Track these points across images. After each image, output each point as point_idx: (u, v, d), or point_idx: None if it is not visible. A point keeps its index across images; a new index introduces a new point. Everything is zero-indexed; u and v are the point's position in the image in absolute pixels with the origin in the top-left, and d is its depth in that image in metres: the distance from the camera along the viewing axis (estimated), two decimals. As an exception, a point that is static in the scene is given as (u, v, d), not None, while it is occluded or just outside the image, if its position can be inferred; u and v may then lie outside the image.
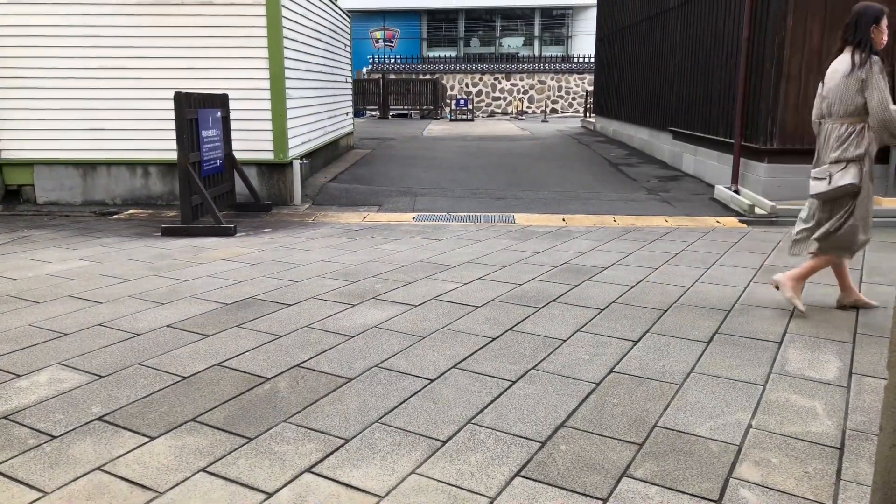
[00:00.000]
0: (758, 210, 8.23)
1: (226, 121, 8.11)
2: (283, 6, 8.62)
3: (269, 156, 8.78)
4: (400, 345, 3.93)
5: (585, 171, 12.50)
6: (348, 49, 14.68)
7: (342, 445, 2.80)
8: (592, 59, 27.37)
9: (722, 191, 9.37)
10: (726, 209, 8.84)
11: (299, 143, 9.62)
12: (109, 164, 8.65)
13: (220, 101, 8.01)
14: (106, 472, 2.61)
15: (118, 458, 2.70)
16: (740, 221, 8.03)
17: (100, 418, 3.03)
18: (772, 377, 3.50)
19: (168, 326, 4.23)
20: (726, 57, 9.99)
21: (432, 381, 3.43)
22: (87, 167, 8.53)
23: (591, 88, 27.10)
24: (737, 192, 9.10)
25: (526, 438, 2.85)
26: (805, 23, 8.31)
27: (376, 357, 3.74)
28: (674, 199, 9.69)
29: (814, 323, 4.37)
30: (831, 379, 3.48)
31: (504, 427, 2.95)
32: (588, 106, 26.74)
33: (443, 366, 3.62)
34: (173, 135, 7.11)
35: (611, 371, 3.57)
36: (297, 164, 9.01)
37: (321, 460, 2.69)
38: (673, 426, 2.97)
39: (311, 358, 3.72)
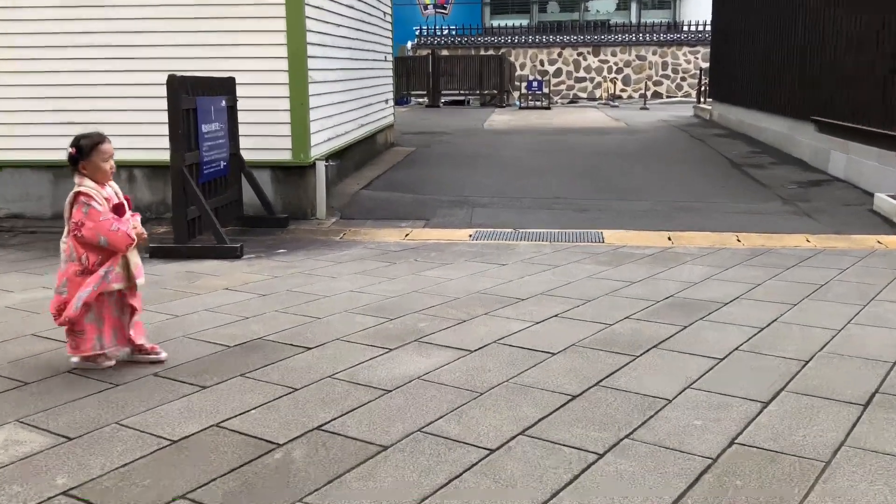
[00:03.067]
0: (935, 226, 7.98)
1: (232, 112, 8.27)
2: (306, -35, 8.79)
3: (287, 156, 8.91)
4: (450, 403, 3.90)
5: (698, 175, 12.33)
6: (388, 19, 14.87)
7: (373, 535, 2.78)
8: (708, 27, 27.12)
9: (884, 200, 9.12)
10: (890, 225, 8.59)
11: (324, 140, 9.74)
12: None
13: (226, 87, 8.18)
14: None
15: (88, 544, 2.75)
16: (910, 242, 7.79)
17: (66, 492, 3.09)
18: (956, 455, 3.36)
19: (155, 375, 4.29)
20: (883, 21, 9.75)
21: (492, 451, 3.39)
22: (59, 171, 8.80)
23: (706, 66, 26.83)
24: (905, 202, 8.85)
25: (617, 531, 2.80)
26: None
27: (419, 419, 3.72)
28: (818, 210, 9.46)
29: None
30: None
31: (587, 515, 2.90)
32: (703, 88, 26.46)
33: (507, 432, 3.58)
34: (165, 129, 7.27)
35: (732, 442, 3.48)
36: (321, 167, 9.12)
37: (346, 554, 2.68)
38: (817, 519, 2.87)
39: (336, 418, 3.72)
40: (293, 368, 4.38)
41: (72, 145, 4.22)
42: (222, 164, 8.02)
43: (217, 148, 7.88)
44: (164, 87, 7.20)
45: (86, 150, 4.21)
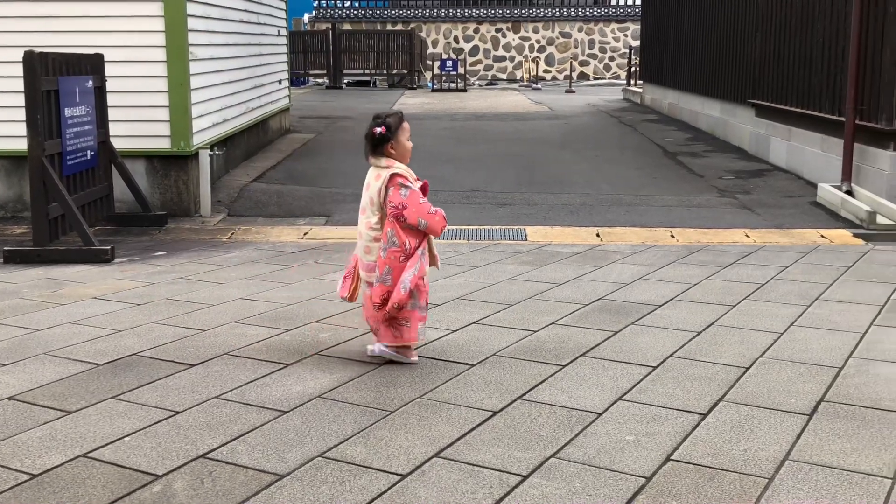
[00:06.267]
0: (881, 219, 8.29)
1: (100, 93, 8.12)
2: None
3: (165, 144, 8.79)
4: (356, 423, 3.89)
5: (630, 164, 12.57)
6: (282, -12, 14.75)
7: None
8: (639, 2, 27.71)
9: (828, 191, 9.43)
10: (834, 217, 8.90)
11: (209, 126, 9.64)
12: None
13: (92, 66, 8.02)
14: None
15: None
16: (855, 236, 8.08)
17: None
18: (904, 466, 3.49)
19: (10, 399, 4.17)
20: (831, -3, 10.12)
21: (403, 476, 3.39)
22: None
23: (636, 44, 27.39)
24: (850, 192, 9.17)
25: (542, 562, 2.82)
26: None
27: (320, 442, 3.70)
28: (758, 203, 9.74)
29: (964, 385, 4.38)
30: None
31: (510, 545, 2.92)
32: (633, 69, 27.01)
33: (420, 454, 3.58)
34: (22, 114, 7.08)
35: (668, 459, 3.55)
36: (205, 156, 9.02)
37: None
38: (760, 541, 2.94)
39: (224, 445, 3.68)
40: (174, 388, 4.31)
41: (379, 125, 4.45)
42: (89, 153, 7.85)
43: (83, 135, 7.72)
44: (21, 65, 7.00)
45: (394, 129, 4.47)
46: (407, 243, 4.44)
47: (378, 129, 4.44)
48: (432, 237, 4.61)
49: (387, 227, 4.45)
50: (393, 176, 4.45)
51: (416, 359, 4.65)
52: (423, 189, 4.53)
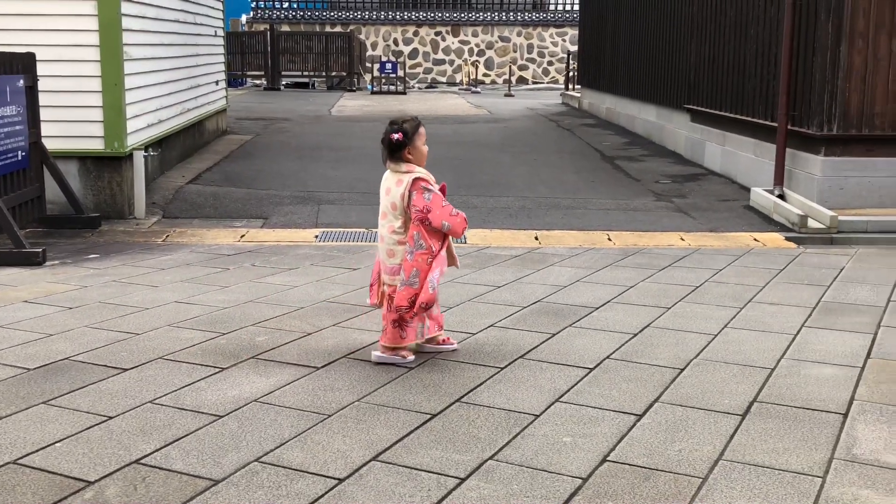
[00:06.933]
0: (812, 223, 8.46)
1: (31, 93, 7.98)
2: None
3: (99, 145, 8.66)
4: (293, 428, 3.87)
5: (568, 168, 12.67)
6: (219, -12, 14.62)
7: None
8: (576, 7, 27.96)
9: (761, 195, 9.60)
10: (767, 221, 9.06)
11: (144, 126, 9.52)
12: None
13: (24, 65, 7.87)
14: None
15: None
16: (787, 239, 8.24)
17: None
18: (834, 465, 3.57)
19: (-64, 405, 4.08)
20: (766, 4, 10.31)
21: (341, 480, 3.38)
22: None
23: (574, 49, 27.63)
24: (782, 196, 9.34)
25: (480, 564, 2.83)
26: (872, -42, 8.64)
27: (257, 447, 3.67)
28: (693, 207, 9.89)
29: (893, 384, 4.49)
30: (917, 465, 3.57)
31: (448, 548, 2.93)
32: (571, 74, 27.25)
33: (357, 458, 3.58)
34: (-51, 113, 6.97)
35: (604, 460, 3.58)
36: (139, 157, 8.90)
37: None
38: (694, 540, 2.98)
39: (158, 450, 3.63)
40: (106, 393, 4.25)
41: (396, 131, 4.54)
42: (20, 154, 7.71)
43: (13, 136, 7.58)
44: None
45: (410, 134, 4.56)
46: (433, 246, 4.56)
47: (395, 136, 4.54)
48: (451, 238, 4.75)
49: (412, 231, 4.56)
50: (416, 180, 4.55)
51: (412, 357, 4.75)
52: (442, 191, 4.64)
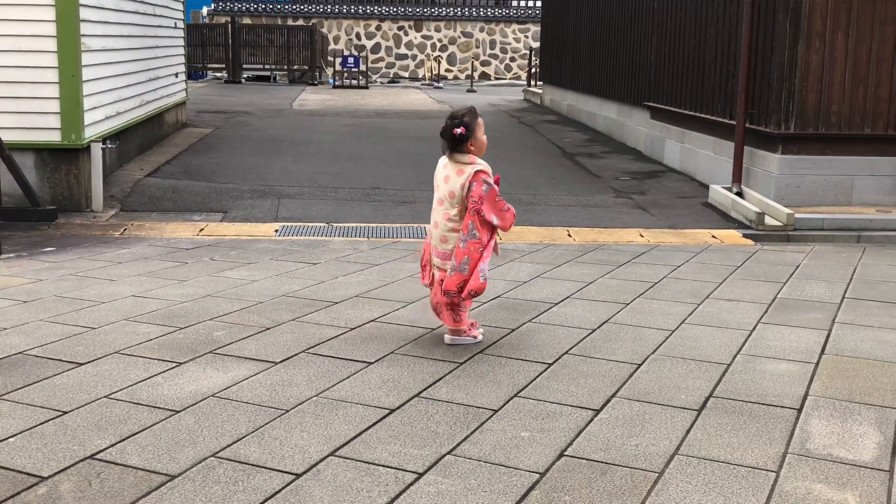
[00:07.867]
0: (769, 220, 8.56)
1: (-14, 83, 7.87)
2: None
3: (55, 136, 8.56)
4: (251, 423, 3.85)
5: (528, 165, 12.71)
6: (179, -21, 14.50)
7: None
8: (538, 3, 28.03)
9: (719, 192, 9.70)
10: (725, 218, 9.15)
11: (102, 118, 9.43)
12: None
13: (-22, 53, 7.77)
14: None
15: None
16: (745, 236, 8.33)
17: None
18: (788, 459, 3.61)
19: None
20: (725, 3, 10.40)
21: (298, 476, 3.37)
22: None
23: (537, 45, 27.72)
24: (740, 194, 9.45)
25: (437, 559, 2.83)
26: (829, -41, 8.75)
27: (213, 442, 3.65)
28: (652, 204, 9.96)
29: (847, 380, 4.56)
30: (868, 460, 3.62)
31: (405, 543, 2.92)
32: (534, 70, 27.32)
33: (315, 453, 3.57)
34: None
35: (561, 455, 3.60)
36: (97, 150, 8.82)
37: None
38: (649, 534, 3.00)
39: (113, 445, 3.60)
40: (61, 387, 4.20)
41: (458, 125, 4.70)
42: (-26, 145, 7.59)
43: (-33, 126, 7.45)
44: None
45: (472, 127, 4.73)
46: (483, 237, 4.75)
47: (458, 130, 4.70)
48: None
49: (468, 220, 4.75)
50: (477, 172, 4.74)
51: (481, 336, 5.04)
52: (496, 182, 4.83)
